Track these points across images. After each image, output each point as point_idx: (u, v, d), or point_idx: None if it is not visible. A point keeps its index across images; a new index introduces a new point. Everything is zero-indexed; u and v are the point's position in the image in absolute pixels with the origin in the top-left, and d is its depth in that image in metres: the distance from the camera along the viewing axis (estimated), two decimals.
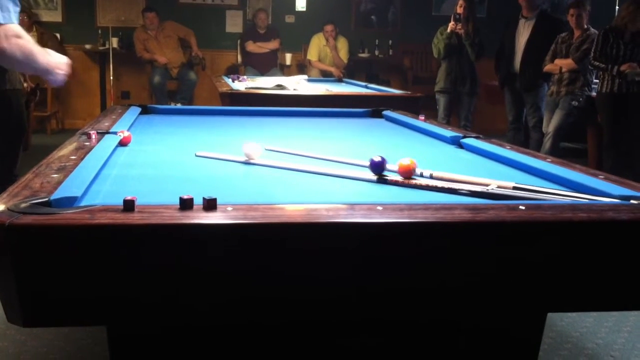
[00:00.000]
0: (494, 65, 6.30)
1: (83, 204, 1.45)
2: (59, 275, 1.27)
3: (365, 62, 8.67)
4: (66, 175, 1.67)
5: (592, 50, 5.24)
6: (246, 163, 2.11)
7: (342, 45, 8.07)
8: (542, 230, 1.42)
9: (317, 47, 8.04)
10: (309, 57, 8.12)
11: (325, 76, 7.55)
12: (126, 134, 2.40)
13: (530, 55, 5.81)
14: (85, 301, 1.30)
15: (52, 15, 8.22)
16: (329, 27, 7.91)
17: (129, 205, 1.33)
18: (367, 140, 2.88)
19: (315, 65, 8.02)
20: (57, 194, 1.46)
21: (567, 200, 1.61)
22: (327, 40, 7.93)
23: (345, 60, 8.05)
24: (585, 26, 5.54)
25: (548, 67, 5.64)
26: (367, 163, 2.09)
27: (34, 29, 7.74)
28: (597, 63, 5.18)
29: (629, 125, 5.19)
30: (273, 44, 8.09)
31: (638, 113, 5.13)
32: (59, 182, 1.58)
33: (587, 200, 1.60)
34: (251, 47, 8.05)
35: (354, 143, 2.77)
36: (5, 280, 1.27)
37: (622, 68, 5.02)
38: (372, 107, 3.75)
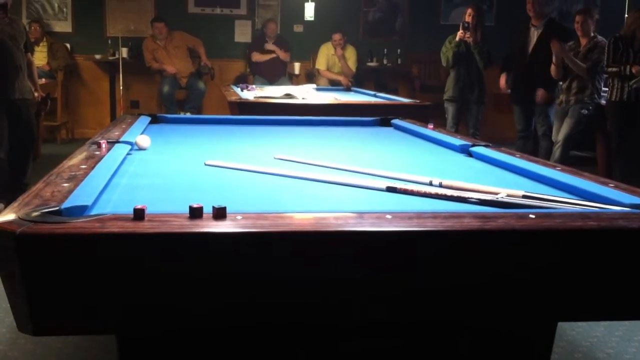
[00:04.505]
0: (500, 72, 6.25)
1: (93, 212, 1.46)
2: (70, 284, 1.28)
3: (374, 71, 8.67)
4: (76, 184, 1.68)
5: (605, 59, 5.23)
6: (254, 171, 2.11)
7: (351, 54, 8.08)
8: (552, 239, 1.41)
9: (325, 56, 8.06)
10: (317, 66, 8.13)
11: (334, 85, 7.55)
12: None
13: (536, 62, 5.78)
14: (96, 309, 1.31)
15: (62, 26, 8.27)
16: (337, 36, 7.93)
17: (139, 214, 1.33)
18: (376, 149, 2.88)
19: (324, 74, 8.03)
20: (67, 203, 1.46)
21: (577, 208, 1.60)
22: (335, 49, 7.95)
23: (354, 69, 8.06)
24: (592, 34, 5.52)
25: (552, 69, 5.57)
26: (377, 172, 2.10)
27: (45, 39, 7.79)
28: (611, 69, 5.16)
29: (638, 133, 5.17)
30: (279, 52, 8.07)
31: None
32: (70, 191, 1.59)
33: (597, 209, 1.60)
34: (256, 57, 8.08)
35: (362, 152, 2.77)
36: (16, 289, 1.28)
37: (635, 70, 5.00)
38: (380, 116, 3.75)
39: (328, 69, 8.06)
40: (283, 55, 8.08)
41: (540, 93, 5.68)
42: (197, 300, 1.33)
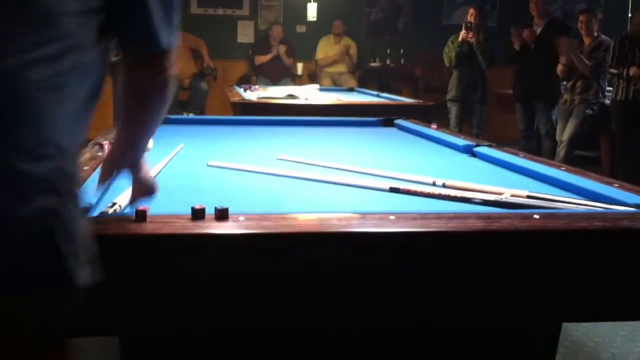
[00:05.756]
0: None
1: (95, 214, 1.45)
2: None
3: (377, 71, 8.67)
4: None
5: (610, 58, 5.22)
6: (256, 172, 2.11)
7: (347, 41, 8.16)
8: (556, 239, 1.40)
9: (324, 47, 8.17)
10: (317, 57, 8.20)
11: (335, 81, 7.65)
12: None
13: (538, 60, 5.76)
14: (97, 311, 1.30)
15: None
16: (337, 23, 8.04)
17: (141, 215, 1.33)
18: (379, 150, 2.87)
19: (323, 62, 8.10)
20: None
21: (582, 209, 1.59)
22: (335, 36, 8.07)
23: (348, 51, 8.13)
24: (596, 33, 5.51)
25: (559, 69, 5.55)
26: (380, 172, 2.09)
27: None
28: (614, 70, 5.16)
29: None
30: (285, 57, 8.09)
31: None
32: None
33: (602, 209, 1.59)
34: (259, 59, 8.11)
35: (365, 152, 2.76)
36: None
37: (632, 72, 5.00)
38: (383, 116, 3.74)
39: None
40: (287, 61, 8.09)
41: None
42: (199, 302, 1.32)
